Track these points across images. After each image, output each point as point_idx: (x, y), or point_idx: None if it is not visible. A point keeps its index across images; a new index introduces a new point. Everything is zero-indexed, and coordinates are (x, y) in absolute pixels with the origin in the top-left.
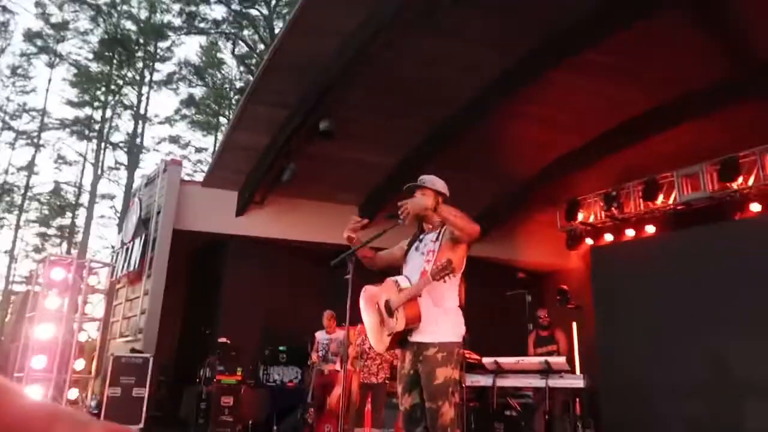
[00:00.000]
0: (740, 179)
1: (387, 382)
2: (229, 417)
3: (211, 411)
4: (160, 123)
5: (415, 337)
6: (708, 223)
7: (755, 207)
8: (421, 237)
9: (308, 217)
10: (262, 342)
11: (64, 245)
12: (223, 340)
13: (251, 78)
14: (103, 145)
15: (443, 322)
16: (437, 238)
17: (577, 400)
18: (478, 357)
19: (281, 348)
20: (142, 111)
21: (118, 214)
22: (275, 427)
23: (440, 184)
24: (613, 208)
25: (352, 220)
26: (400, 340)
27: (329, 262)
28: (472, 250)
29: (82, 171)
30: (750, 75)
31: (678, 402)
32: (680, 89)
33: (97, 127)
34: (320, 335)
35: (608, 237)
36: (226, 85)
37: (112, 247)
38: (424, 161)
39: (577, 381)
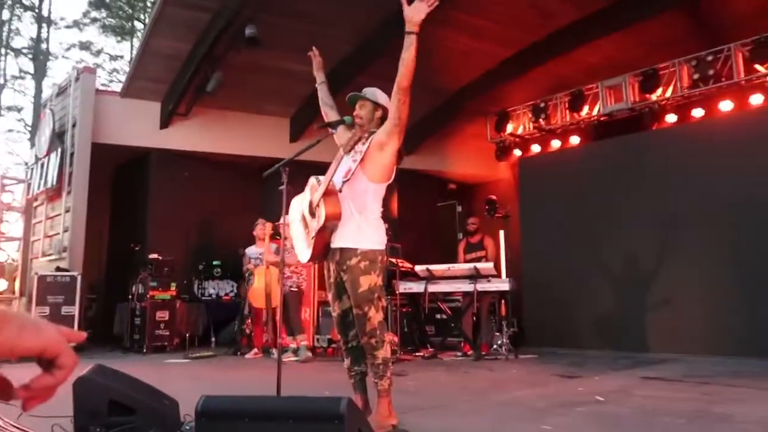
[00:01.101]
0: (659, 91)
1: (296, 289)
2: (165, 331)
3: (146, 326)
4: (68, 27)
5: (337, 242)
6: (628, 133)
7: (671, 118)
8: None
9: (237, 129)
10: (195, 257)
11: None
12: (154, 255)
13: None
14: (3, 50)
15: (365, 228)
16: (366, 142)
17: (503, 301)
18: (411, 265)
19: (215, 262)
20: (45, 13)
21: (29, 128)
22: (213, 339)
23: (382, 98)
24: (540, 120)
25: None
26: (325, 249)
27: (261, 174)
28: (404, 163)
29: None
30: None
31: (591, 300)
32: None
33: None
34: (250, 250)
35: (535, 148)
36: None
37: (26, 163)
38: (354, 72)
39: (503, 284)
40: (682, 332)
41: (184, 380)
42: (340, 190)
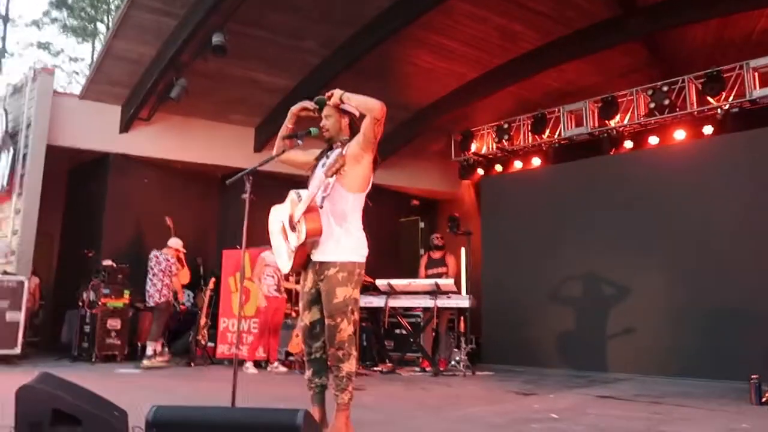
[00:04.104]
0: (617, 117)
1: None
2: (117, 340)
3: (96, 334)
4: (26, 26)
5: (317, 256)
6: (587, 157)
7: (628, 144)
8: (328, 153)
9: (200, 137)
10: None
11: None
12: (108, 262)
13: None
14: None
15: (345, 240)
16: (342, 153)
17: (462, 318)
18: (371, 279)
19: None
20: (2, 10)
21: None
22: (167, 349)
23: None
24: (504, 141)
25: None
26: (305, 261)
27: (222, 182)
28: None
29: None
30: (627, 17)
31: (548, 319)
32: (568, 28)
33: None
34: (270, 256)
35: (498, 168)
36: None
37: None
38: (321, 85)
39: (462, 301)
40: (636, 353)
41: (135, 390)
42: (321, 206)
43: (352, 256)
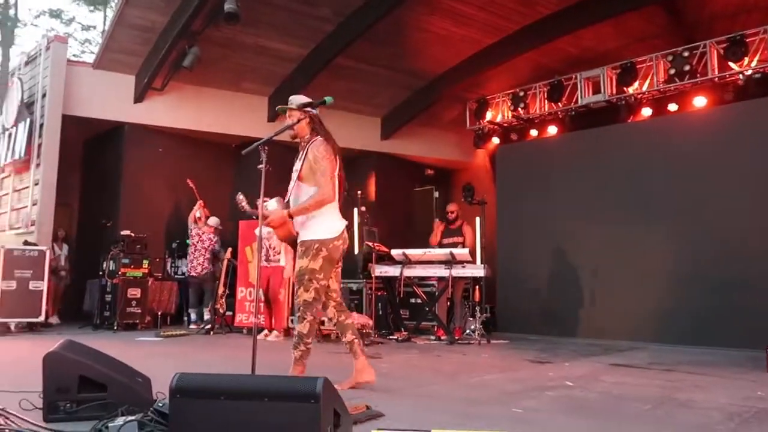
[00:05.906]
0: (636, 84)
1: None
2: (137, 309)
3: (117, 303)
4: None
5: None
6: (604, 125)
7: (646, 111)
8: (300, 155)
9: (214, 107)
10: (169, 235)
11: None
12: (126, 232)
13: None
14: None
15: (309, 224)
16: (302, 154)
17: (477, 287)
18: (386, 249)
19: (189, 241)
20: None
21: None
22: (186, 318)
23: (298, 100)
24: (519, 109)
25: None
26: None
27: (236, 151)
28: (383, 147)
29: None
30: None
31: (563, 288)
32: None
33: None
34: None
35: (513, 136)
36: None
37: None
38: (335, 53)
39: (477, 270)
40: (651, 322)
41: (156, 358)
42: (288, 200)
43: (312, 236)
